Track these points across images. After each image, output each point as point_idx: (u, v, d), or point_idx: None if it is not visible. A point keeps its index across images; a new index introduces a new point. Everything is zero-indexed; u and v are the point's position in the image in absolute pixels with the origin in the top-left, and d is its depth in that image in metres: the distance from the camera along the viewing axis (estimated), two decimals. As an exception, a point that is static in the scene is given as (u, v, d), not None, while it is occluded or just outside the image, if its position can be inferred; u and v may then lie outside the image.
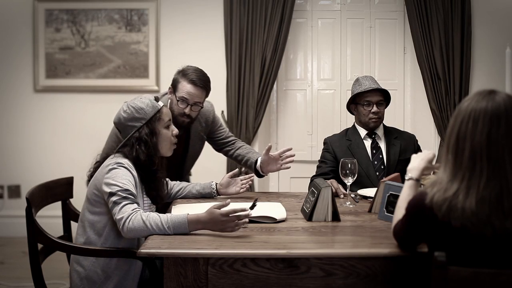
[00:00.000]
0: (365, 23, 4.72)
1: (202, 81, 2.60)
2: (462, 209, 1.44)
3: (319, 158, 2.96)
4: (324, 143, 2.96)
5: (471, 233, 1.44)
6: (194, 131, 2.78)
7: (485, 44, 4.45)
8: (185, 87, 2.58)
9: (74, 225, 2.47)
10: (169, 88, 2.66)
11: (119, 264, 2.09)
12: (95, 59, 4.68)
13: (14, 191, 4.76)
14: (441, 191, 1.49)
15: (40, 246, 2.14)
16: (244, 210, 1.88)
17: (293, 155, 2.67)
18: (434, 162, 1.88)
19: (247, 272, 1.72)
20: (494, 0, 4.48)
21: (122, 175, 2.04)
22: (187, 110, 2.59)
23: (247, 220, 1.88)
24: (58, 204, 2.46)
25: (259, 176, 2.76)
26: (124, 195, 1.98)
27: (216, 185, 2.57)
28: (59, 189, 2.44)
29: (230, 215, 1.85)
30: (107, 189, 2.01)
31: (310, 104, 4.71)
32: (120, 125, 2.17)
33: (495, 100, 1.48)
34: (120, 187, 1.99)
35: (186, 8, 4.60)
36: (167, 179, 2.43)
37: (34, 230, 2.09)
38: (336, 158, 2.83)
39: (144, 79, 4.63)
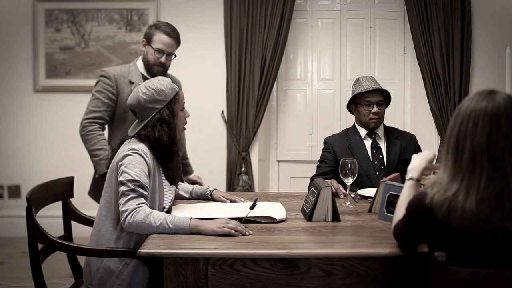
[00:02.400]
0: (365, 23, 4.72)
1: (174, 32, 2.94)
2: (462, 210, 1.45)
3: (319, 158, 2.96)
4: (324, 143, 2.96)
5: (471, 233, 1.44)
6: None
7: (485, 44, 4.45)
8: (160, 38, 2.90)
9: (74, 225, 2.48)
10: (143, 41, 2.98)
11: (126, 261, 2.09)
12: (95, 59, 4.68)
13: (14, 191, 4.76)
14: (441, 191, 1.49)
15: (40, 246, 2.14)
16: (244, 233, 1.90)
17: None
18: (434, 162, 1.88)
19: (247, 272, 1.72)
20: (494, 0, 4.48)
21: (136, 163, 2.04)
22: (162, 59, 2.90)
23: (242, 233, 1.89)
24: (58, 204, 2.46)
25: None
26: (133, 187, 1.99)
27: (212, 191, 2.53)
28: (60, 189, 2.43)
29: (234, 224, 1.90)
30: (119, 177, 2.03)
31: (310, 104, 4.71)
32: (139, 107, 2.15)
33: (495, 100, 1.48)
34: (132, 176, 2.00)
35: (186, 8, 4.60)
36: None
37: (34, 230, 2.09)
38: (336, 158, 2.83)
39: (144, 79, 4.63)
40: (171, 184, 2.28)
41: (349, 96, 2.95)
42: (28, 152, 4.75)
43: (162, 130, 2.14)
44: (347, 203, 2.41)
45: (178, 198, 2.54)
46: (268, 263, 1.72)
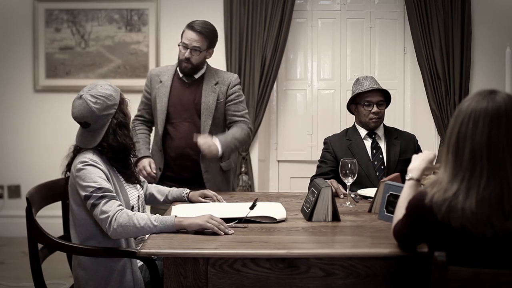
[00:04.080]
0: (365, 23, 4.72)
1: (201, 28, 2.80)
2: (462, 210, 1.44)
3: (319, 158, 2.96)
4: (324, 143, 2.96)
5: (471, 233, 1.44)
6: (206, 81, 2.90)
7: (485, 44, 4.45)
8: (185, 33, 2.82)
9: (74, 225, 2.48)
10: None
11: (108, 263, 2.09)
12: (95, 59, 4.68)
13: (14, 191, 4.76)
14: (441, 191, 1.49)
15: (40, 246, 2.14)
16: (227, 232, 1.91)
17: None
18: (434, 163, 1.88)
19: (247, 272, 1.72)
20: (494, 0, 4.48)
21: (91, 173, 2.03)
22: (186, 54, 2.79)
23: (225, 232, 1.90)
24: (58, 204, 2.46)
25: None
26: (100, 194, 1.98)
27: (188, 194, 2.51)
28: (59, 189, 2.43)
29: (218, 221, 1.92)
30: (82, 192, 2.01)
31: (310, 104, 4.71)
32: (94, 117, 2.08)
33: (496, 100, 1.47)
34: (93, 187, 1.99)
35: (186, 8, 4.60)
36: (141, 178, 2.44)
37: (34, 230, 2.09)
38: (336, 158, 2.83)
39: (144, 79, 4.58)
40: (132, 183, 2.25)
41: (349, 96, 2.95)
42: (28, 152, 4.74)
43: (123, 134, 2.13)
44: (347, 203, 2.41)
45: (151, 202, 2.51)
46: (268, 263, 1.72)
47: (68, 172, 2.15)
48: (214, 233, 1.89)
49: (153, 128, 3.03)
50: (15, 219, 4.52)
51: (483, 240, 1.44)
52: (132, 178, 2.25)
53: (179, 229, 1.92)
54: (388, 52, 4.71)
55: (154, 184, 2.59)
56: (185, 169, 2.88)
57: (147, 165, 2.79)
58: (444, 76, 4.37)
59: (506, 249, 1.44)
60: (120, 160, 2.17)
